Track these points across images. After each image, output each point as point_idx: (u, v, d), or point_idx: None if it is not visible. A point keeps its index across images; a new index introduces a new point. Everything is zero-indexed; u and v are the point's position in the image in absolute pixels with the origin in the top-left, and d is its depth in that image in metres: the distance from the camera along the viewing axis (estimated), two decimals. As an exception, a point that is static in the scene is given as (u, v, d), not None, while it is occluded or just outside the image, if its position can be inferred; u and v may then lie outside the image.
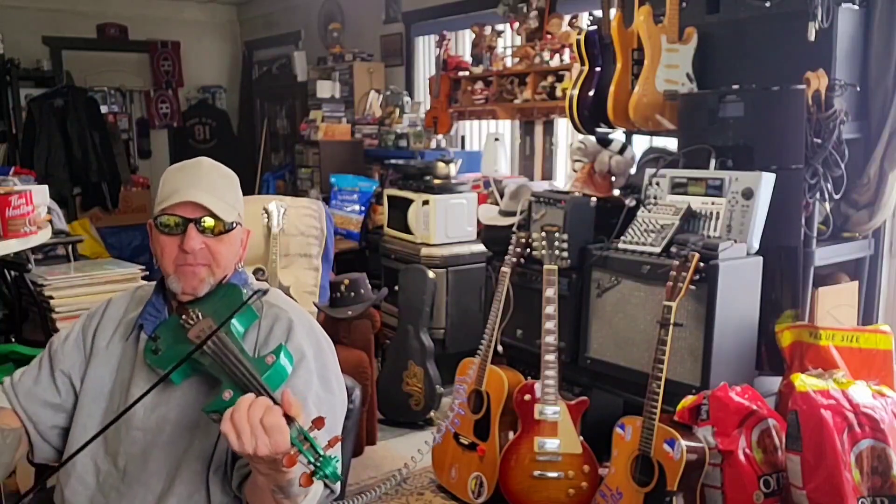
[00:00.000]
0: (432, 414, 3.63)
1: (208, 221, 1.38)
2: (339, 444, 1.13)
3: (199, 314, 1.35)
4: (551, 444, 2.65)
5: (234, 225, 1.43)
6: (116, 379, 1.44)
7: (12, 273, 3.21)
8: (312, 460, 1.08)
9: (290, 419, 1.10)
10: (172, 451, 1.36)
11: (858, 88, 2.65)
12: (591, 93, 3.22)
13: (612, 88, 3.04)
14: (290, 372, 1.24)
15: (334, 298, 3.34)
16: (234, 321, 1.32)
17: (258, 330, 1.40)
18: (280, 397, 1.14)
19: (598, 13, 3.37)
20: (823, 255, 2.66)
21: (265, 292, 1.47)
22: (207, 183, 1.41)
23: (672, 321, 2.34)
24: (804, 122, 2.50)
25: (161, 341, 1.37)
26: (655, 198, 2.76)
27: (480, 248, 3.79)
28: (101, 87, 7.80)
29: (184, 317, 1.36)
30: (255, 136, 8.01)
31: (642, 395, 2.37)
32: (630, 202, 2.90)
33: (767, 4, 2.71)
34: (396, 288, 3.77)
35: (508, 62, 4.64)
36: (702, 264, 2.38)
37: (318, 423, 1.11)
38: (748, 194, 2.51)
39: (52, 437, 1.46)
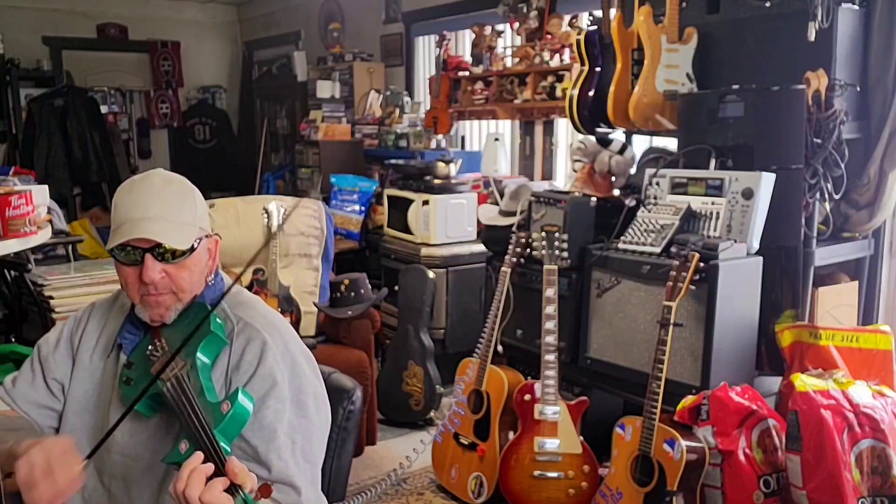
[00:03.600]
0: (432, 414, 3.63)
1: (167, 246, 1.30)
2: None
3: (166, 345, 1.32)
4: (551, 444, 2.65)
5: (196, 245, 1.34)
6: (100, 396, 1.42)
7: (12, 273, 3.22)
8: None
9: (235, 486, 1.08)
10: (152, 478, 1.34)
11: (858, 88, 2.65)
12: (591, 93, 3.22)
13: (612, 88, 3.04)
14: (250, 414, 1.21)
15: (334, 298, 3.34)
16: (199, 354, 1.28)
17: (229, 354, 1.35)
18: (231, 453, 1.13)
19: (598, 13, 3.37)
20: (823, 255, 2.66)
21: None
22: (159, 206, 1.31)
23: (672, 321, 2.34)
24: (804, 122, 2.50)
25: (134, 369, 1.34)
26: (655, 198, 2.76)
27: (480, 248, 3.79)
28: (101, 87, 7.81)
29: (150, 347, 1.33)
30: (255, 136, 8.01)
31: (642, 395, 2.37)
32: (630, 202, 2.90)
33: (767, 4, 2.71)
34: (396, 288, 3.77)
35: (508, 62, 4.64)
36: (702, 264, 2.37)
37: (265, 490, 1.09)
38: (748, 194, 2.51)
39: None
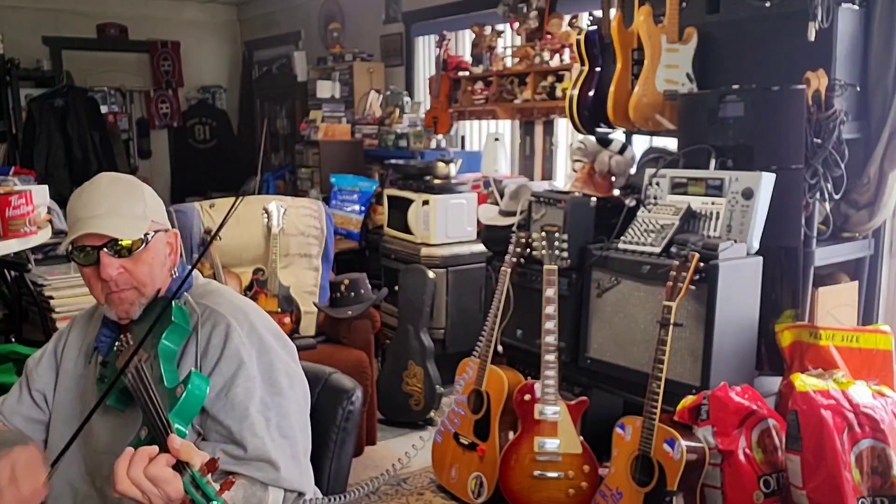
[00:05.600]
0: (432, 414, 3.63)
1: (123, 241, 1.32)
2: (234, 485, 1.10)
3: (131, 339, 1.33)
4: (551, 444, 2.65)
5: (149, 237, 1.35)
6: (84, 403, 1.43)
7: (12, 273, 3.21)
8: None
9: (182, 464, 1.08)
10: None
11: (858, 88, 2.64)
12: (591, 93, 3.22)
13: (612, 88, 3.04)
14: (205, 395, 1.21)
15: (334, 298, 3.34)
16: (164, 340, 1.29)
17: (196, 343, 1.35)
18: (188, 435, 1.14)
19: (598, 13, 3.37)
20: (823, 255, 2.66)
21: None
22: (108, 204, 1.33)
23: (672, 321, 2.34)
24: (804, 122, 2.50)
25: (108, 367, 1.36)
26: (655, 198, 2.76)
27: (480, 248, 3.79)
28: (101, 87, 7.81)
29: (117, 343, 1.35)
30: (255, 136, 8.01)
31: (642, 395, 2.37)
32: (630, 202, 2.90)
33: (767, 4, 2.71)
34: (396, 288, 3.77)
35: (508, 62, 4.64)
36: (702, 264, 2.37)
37: (211, 465, 1.09)
38: (748, 194, 2.51)
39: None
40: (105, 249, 1.31)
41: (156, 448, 1.10)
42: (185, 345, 1.34)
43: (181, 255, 1.49)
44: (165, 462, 1.08)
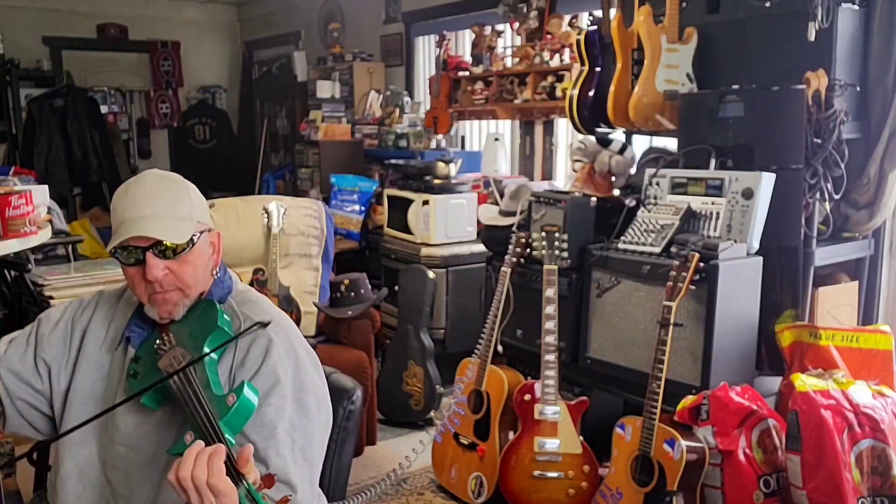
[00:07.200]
0: (432, 414, 3.63)
1: (169, 243, 1.31)
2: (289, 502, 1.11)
3: (173, 339, 1.32)
4: (551, 444, 2.65)
5: (195, 239, 1.34)
6: (107, 388, 1.42)
7: (12, 273, 3.21)
8: None
9: (240, 475, 1.08)
10: (153, 472, 1.33)
11: (858, 88, 2.65)
12: (591, 93, 3.22)
13: (612, 88, 3.04)
14: (255, 407, 1.21)
15: (334, 298, 3.34)
16: (209, 345, 1.29)
17: (234, 352, 1.35)
18: (235, 446, 1.13)
19: (598, 13, 3.37)
20: (823, 255, 2.66)
21: (261, 324, 1.38)
22: (155, 204, 1.32)
23: (672, 321, 2.34)
24: (804, 122, 2.50)
25: (141, 363, 1.34)
26: (655, 198, 2.76)
27: (480, 248, 3.79)
28: (101, 87, 7.81)
29: (158, 342, 1.34)
30: (255, 136, 8.01)
31: (642, 395, 2.37)
32: (630, 202, 2.90)
33: (767, 4, 2.71)
34: (396, 288, 3.77)
35: (508, 62, 4.64)
36: (702, 264, 2.38)
37: (268, 481, 1.09)
38: (748, 194, 2.51)
39: (27, 413, 1.44)
40: (151, 251, 1.30)
41: (222, 450, 1.09)
42: (222, 355, 1.34)
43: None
44: (226, 472, 1.08)
